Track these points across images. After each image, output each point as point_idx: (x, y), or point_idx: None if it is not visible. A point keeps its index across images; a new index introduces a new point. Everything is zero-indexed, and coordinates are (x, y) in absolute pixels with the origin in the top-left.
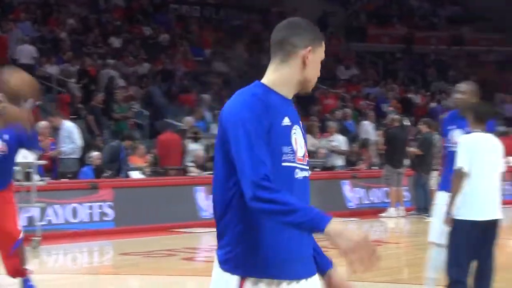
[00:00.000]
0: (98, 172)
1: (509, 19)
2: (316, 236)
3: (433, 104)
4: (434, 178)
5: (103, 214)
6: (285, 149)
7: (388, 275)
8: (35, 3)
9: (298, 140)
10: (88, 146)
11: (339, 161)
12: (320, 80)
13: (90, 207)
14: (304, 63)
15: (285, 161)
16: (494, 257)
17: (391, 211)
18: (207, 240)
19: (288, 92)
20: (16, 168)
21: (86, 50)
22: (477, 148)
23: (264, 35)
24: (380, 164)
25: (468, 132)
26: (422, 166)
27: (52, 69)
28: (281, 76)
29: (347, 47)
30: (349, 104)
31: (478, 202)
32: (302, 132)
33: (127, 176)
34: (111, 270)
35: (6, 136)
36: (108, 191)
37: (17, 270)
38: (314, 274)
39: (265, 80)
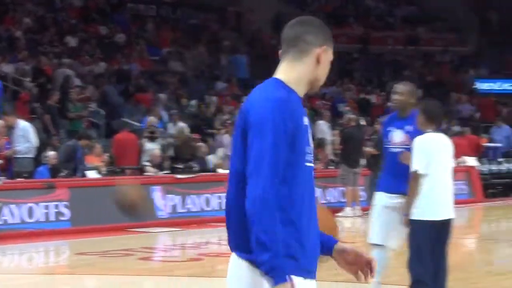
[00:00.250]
0: (54, 171)
1: (464, 19)
2: None
3: (389, 104)
4: None
5: (59, 213)
6: (307, 149)
7: (343, 275)
8: None
9: (311, 139)
10: (44, 146)
11: None
12: None
13: (46, 207)
14: (317, 62)
15: (307, 161)
16: (448, 257)
17: (348, 210)
18: (164, 239)
19: (301, 91)
20: None
21: (42, 49)
22: (431, 149)
23: (221, 35)
24: (336, 164)
25: (412, 133)
26: (378, 166)
27: (7, 68)
28: (296, 75)
29: None
30: (306, 104)
31: (434, 202)
32: None
33: (84, 175)
34: (67, 270)
35: None
36: (64, 191)
37: None
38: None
39: (281, 78)
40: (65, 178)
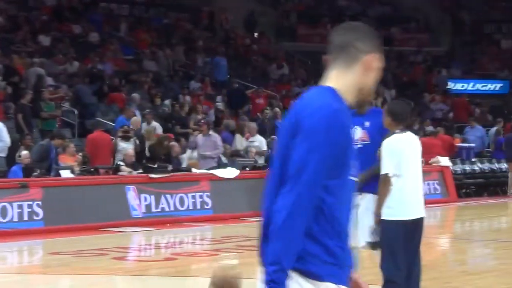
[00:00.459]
0: (27, 171)
1: (437, 20)
2: None
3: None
4: None
5: (32, 213)
6: (352, 162)
7: None
8: None
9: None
10: (17, 145)
11: (261, 161)
12: (252, 79)
13: (20, 207)
14: (367, 70)
15: (351, 174)
16: (420, 256)
17: None
18: (138, 239)
19: (351, 99)
20: None
21: (14, 48)
22: (399, 150)
23: (194, 34)
24: None
25: (370, 129)
26: None
27: None
28: (345, 82)
29: (277, 46)
30: (279, 104)
31: (405, 201)
32: None
33: (57, 175)
34: (41, 269)
35: None
36: (38, 190)
37: None
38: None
39: (333, 86)
40: (38, 177)
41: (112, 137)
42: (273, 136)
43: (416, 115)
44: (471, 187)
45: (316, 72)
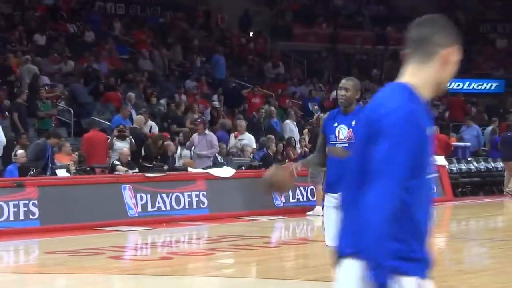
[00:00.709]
0: (23, 170)
1: None
2: None
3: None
4: None
5: (28, 212)
6: (429, 160)
7: (315, 273)
8: None
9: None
10: (12, 144)
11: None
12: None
13: (16, 206)
14: (444, 64)
15: (428, 172)
16: None
17: (318, 209)
18: (134, 238)
19: (428, 95)
20: None
21: (10, 47)
22: None
23: (190, 33)
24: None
25: (357, 128)
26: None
27: None
28: (423, 79)
29: (272, 46)
30: (275, 103)
31: None
32: None
33: (53, 174)
34: (37, 269)
35: None
36: (34, 190)
37: None
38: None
39: (409, 82)
40: (34, 176)
41: (108, 136)
42: (269, 136)
43: None
44: (467, 186)
45: (312, 72)
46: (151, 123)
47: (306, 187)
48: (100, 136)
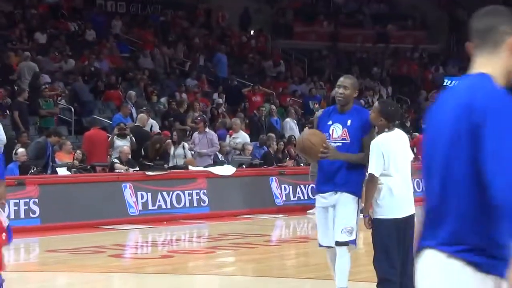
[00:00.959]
0: (24, 168)
1: (433, 17)
2: None
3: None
4: None
5: (29, 211)
6: None
7: (316, 271)
8: None
9: None
10: (13, 142)
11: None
12: (248, 77)
13: (16, 204)
14: None
15: None
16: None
17: None
18: (134, 236)
19: (503, 85)
20: None
21: (11, 45)
22: (389, 150)
23: (191, 32)
24: (307, 161)
25: (352, 128)
26: None
27: None
28: (494, 68)
29: (273, 44)
30: (276, 101)
31: (396, 200)
32: None
33: (54, 172)
34: (38, 267)
35: None
36: (34, 188)
37: None
38: None
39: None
40: (35, 175)
41: (109, 135)
42: (270, 134)
43: (412, 112)
44: None
45: (312, 70)
46: (151, 121)
47: (307, 185)
48: (101, 134)
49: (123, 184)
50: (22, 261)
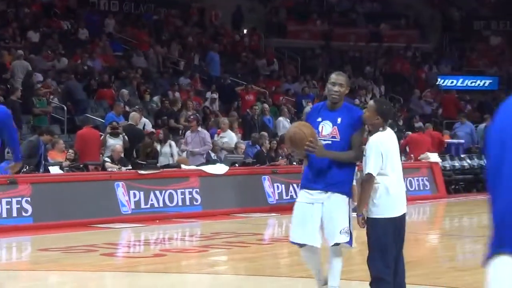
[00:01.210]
0: None
1: (426, 16)
2: None
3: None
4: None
5: (21, 209)
6: None
7: (308, 270)
8: None
9: None
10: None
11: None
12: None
13: (8, 203)
14: None
15: None
16: (402, 251)
17: None
18: (127, 235)
19: None
20: None
21: (3, 44)
22: (386, 149)
23: (184, 31)
24: (300, 160)
25: (342, 125)
26: None
27: None
28: None
29: (266, 43)
30: (269, 100)
31: (392, 199)
32: None
33: (47, 171)
34: (30, 266)
35: None
36: (27, 187)
37: None
38: None
39: None
40: (27, 174)
41: (101, 133)
42: (262, 133)
43: (405, 111)
44: (460, 183)
45: (305, 69)
46: (144, 120)
47: (300, 184)
48: (93, 133)
49: (116, 183)
50: (14, 260)
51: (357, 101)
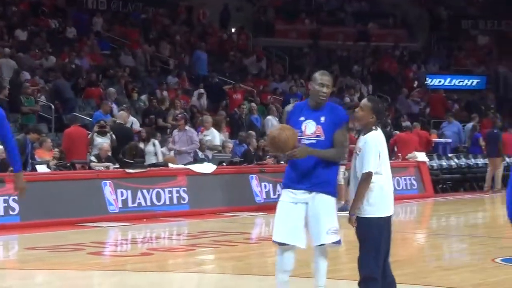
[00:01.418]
0: (3, 166)
1: (414, 15)
2: None
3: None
4: (341, 172)
5: (8, 208)
6: None
7: (295, 269)
8: None
9: None
10: None
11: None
12: (229, 74)
13: None
14: None
15: None
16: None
17: None
18: (114, 234)
19: None
20: None
21: None
22: (381, 147)
23: (172, 29)
24: (287, 160)
25: (325, 124)
26: None
27: None
28: None
29: (254, 42)
30: (257, 99)
31: (386, 198)
32: None
33: (34, 170)
34: (17, 264)
35: None
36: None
37: None
38: None
39: None
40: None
41: (89, 132)
42: (250, 131)
43: (393, 111)
44: (447, 183)
45: (293, 68)
46: (132, 119)
47: None
48: (81, 131)
49: (103, 181)
50: (1, 259)
51: (348, 100)
